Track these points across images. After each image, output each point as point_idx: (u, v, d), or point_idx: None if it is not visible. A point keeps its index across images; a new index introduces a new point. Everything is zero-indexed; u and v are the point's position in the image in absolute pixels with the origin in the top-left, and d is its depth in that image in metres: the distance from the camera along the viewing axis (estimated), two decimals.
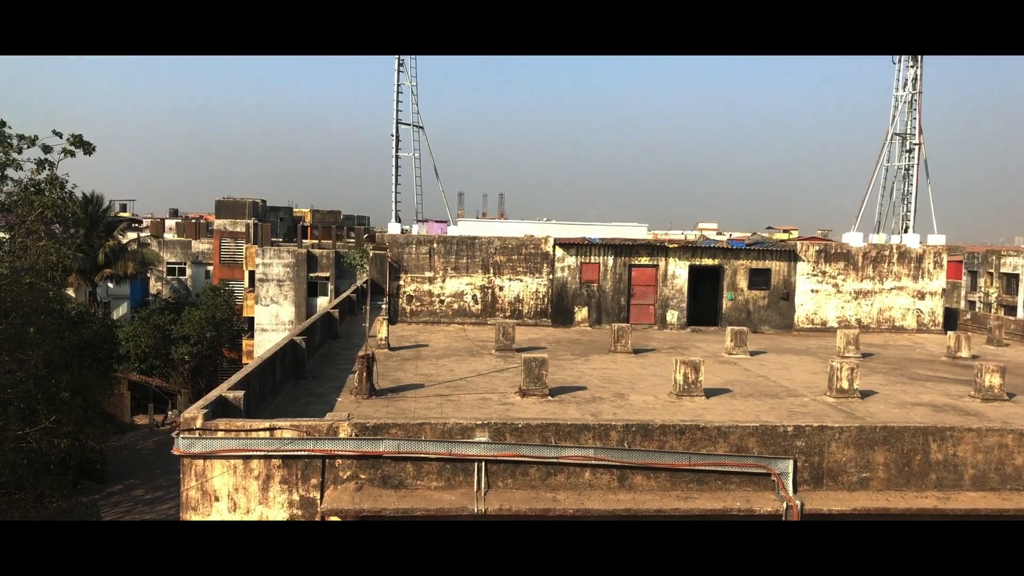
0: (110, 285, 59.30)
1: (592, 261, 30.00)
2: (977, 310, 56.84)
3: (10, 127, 21.70)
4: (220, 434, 11.41)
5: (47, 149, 22.23)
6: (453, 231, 31.98)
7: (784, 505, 11.97)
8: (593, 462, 12.03)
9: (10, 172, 21.97)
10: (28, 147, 21.92)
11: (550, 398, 16.59)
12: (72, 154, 22.44)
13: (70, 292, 50.32)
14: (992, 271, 62.61)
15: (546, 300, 29.91)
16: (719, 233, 43.03)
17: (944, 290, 31.71)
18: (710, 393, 17.37)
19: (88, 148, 22.68)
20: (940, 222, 32.75)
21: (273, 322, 49.39)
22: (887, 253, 31.13)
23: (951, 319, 32.74)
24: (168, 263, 68.25)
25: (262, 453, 11.54)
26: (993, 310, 58.36)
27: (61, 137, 22.24)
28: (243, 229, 64.19)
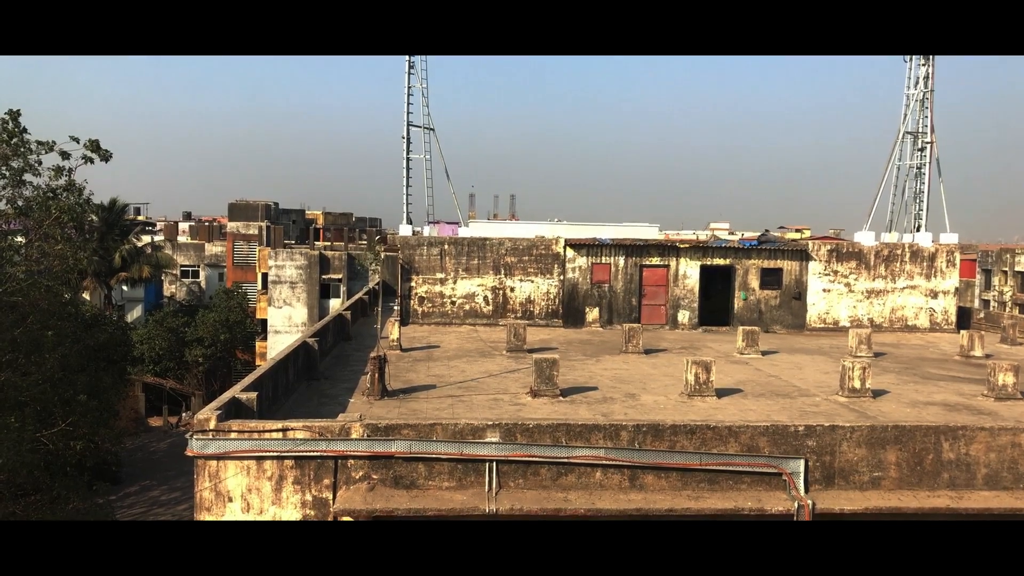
0: (125, 288, 59.70)
1: (603, 262, 30.01)
2: (991, 309, 56.46)
3: (29, 133, 21.97)
4: (233, 435, 11.52)
5: (65, 155, 22.45)
6: (464, 232, 32.05)
7: (795, 505, 11.97)
8: (604, 462, 12.07)
9: (28, 177, 22.20)
10: (46, 152, 22.14)
11: (561, 398, 16.63)
12: (91, 161, 22.65)
13: (85, 295, 50.72)
14: (1006, 269, 62.18)
15: (557, 301, 29.95)
16: (731, 233, 42.96)
17: (957, 289, 31.53)
18: (721, 393, 17.37)
19: (105, 155, 22.88)
20: (953, 221, 32.57)
21: (286, 324, 49.61)
22: (899, 252, 31.00)
23: (964, 318, 32.55)
24: (182, 266, 68.70)
25: (275, 454, 11.64)
26: (1007, 309, 57.96)
27: (78, 143, 22.46)
28: (256, 232, 64.54)
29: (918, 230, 33.42)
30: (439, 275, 29.70)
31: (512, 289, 29.84)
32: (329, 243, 66.09)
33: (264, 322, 51.52)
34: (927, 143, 33.44)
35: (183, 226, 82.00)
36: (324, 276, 50.96)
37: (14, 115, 21.79)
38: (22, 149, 21.61)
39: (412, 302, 29.65)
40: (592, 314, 29.95)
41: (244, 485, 11.66)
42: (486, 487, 11.83)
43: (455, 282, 29.74)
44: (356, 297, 33.82)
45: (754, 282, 30.47)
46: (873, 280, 30.79)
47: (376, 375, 16.24)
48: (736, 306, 30.47)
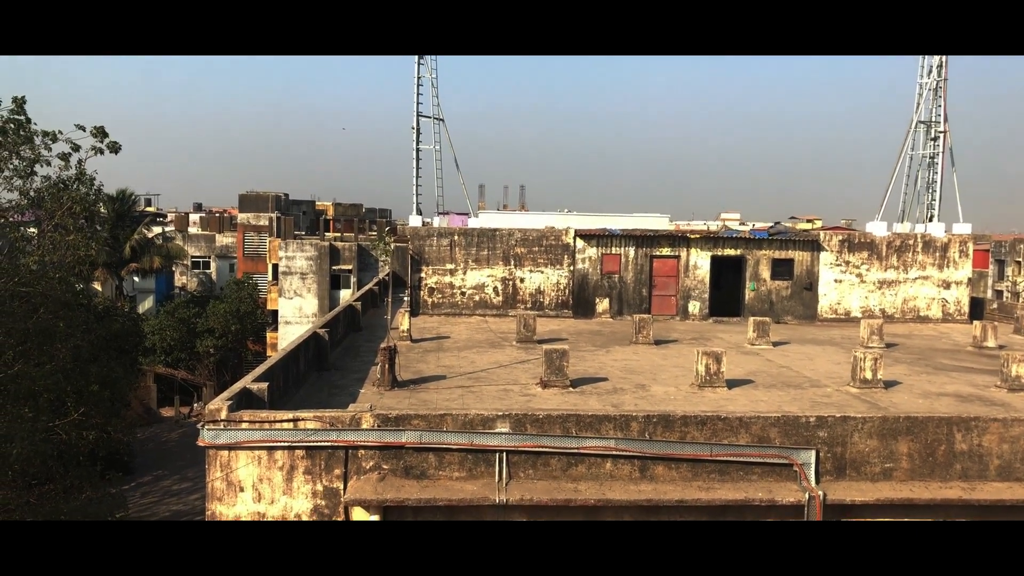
0: (136, 279, 60.00)
1: (613, 252, 29.95)
2: (1004, 299, 56.08)
3: (35, 123, 21.99)
4: (244, 425, 11.56)
5: (76, 148, 22.49)
6: (474, 223, 32.02)
7: (806, 496, 11.93)
8: (614, 453, 12.06)
9: (37, 168, 22.24)
10: (52, 142, 22.16)
11: (571, 389, 16.62)
12: (101, 152, 22.69)
13: (97, 286, 50.98)
14: (1020, 260, 61.72)
15: (567, 291, 29.91)
16: (742, 223, 42.79)
17: (970, 279, 31.33)
18: (732, 384, 17.32)
19: (114, 147, 22.92)
20: (966, 211, 32.38)
21: (296, 315, 49.77)
22: (912, 242, 30.81)
23: (977, 308, 32.34)
24: (192, 257, 68.94)
25: (286, 444, 11.68)
26: (1021, 299, 57.56)
27: (84, 131, 22.46)
28: (266, 223, 64.74)
29: (931, 220, 33.23)
30: (449, 266, 29.71)
31: (522, 280, 29.82)
32: (339, 234, 66.26)
33: (275, 313, 51.71)
34: (940, 132, 33.20)
35: (194, 217, 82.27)
36: (334, 267, 51.07)
37: (19, 103, 21.73)
38: (24, 134, 21.56)
39: (422, 293, 29.67)
40: (602, 305, 29.91)
41: (255, 475, 11.71)
42: (496, 477, 11.84)
43: (465, 273, 29.74)
44: (366, 288, 33.90)
45: (765, 272, 30.35)
46: (885, 271, 30.62)
47: (386, 366, 16.27)
48: (747, 297, 30.37)
